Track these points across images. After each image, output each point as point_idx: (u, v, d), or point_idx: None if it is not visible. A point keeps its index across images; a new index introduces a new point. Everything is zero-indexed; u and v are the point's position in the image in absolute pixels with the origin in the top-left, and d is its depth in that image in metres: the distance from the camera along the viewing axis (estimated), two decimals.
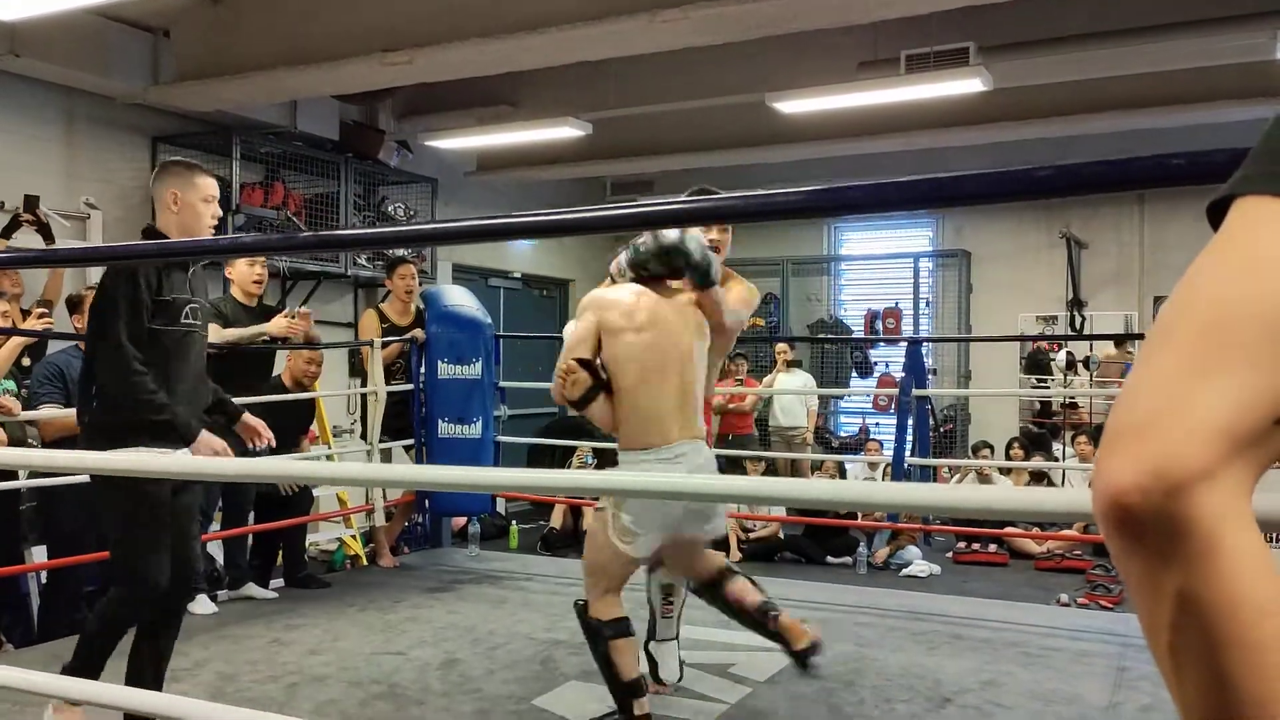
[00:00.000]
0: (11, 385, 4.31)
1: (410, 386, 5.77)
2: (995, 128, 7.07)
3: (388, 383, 5.67)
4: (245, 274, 4.92)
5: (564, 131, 7.14)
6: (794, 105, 6.43)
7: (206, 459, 2.89)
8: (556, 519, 7.68)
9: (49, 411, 4.25)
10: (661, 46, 5.46)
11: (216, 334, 4.44)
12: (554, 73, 6.44)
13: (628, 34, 5.19)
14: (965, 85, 5.91)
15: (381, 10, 5.67)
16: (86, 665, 2.83)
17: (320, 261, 7.28)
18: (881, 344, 9.91)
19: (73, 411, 4.22)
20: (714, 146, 8.02)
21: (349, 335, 7.62)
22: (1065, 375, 8.79)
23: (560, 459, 8.21)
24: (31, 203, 5.50)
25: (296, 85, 6.29)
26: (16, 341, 4.39)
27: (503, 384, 6.14)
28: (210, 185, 3.13)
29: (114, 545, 2.96)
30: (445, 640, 4.15)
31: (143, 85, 6.27)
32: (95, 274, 5.49)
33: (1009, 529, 7.05)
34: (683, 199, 1.59)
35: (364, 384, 5.65)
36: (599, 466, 7.25)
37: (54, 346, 4.87)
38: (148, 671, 2.99)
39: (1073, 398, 8.85)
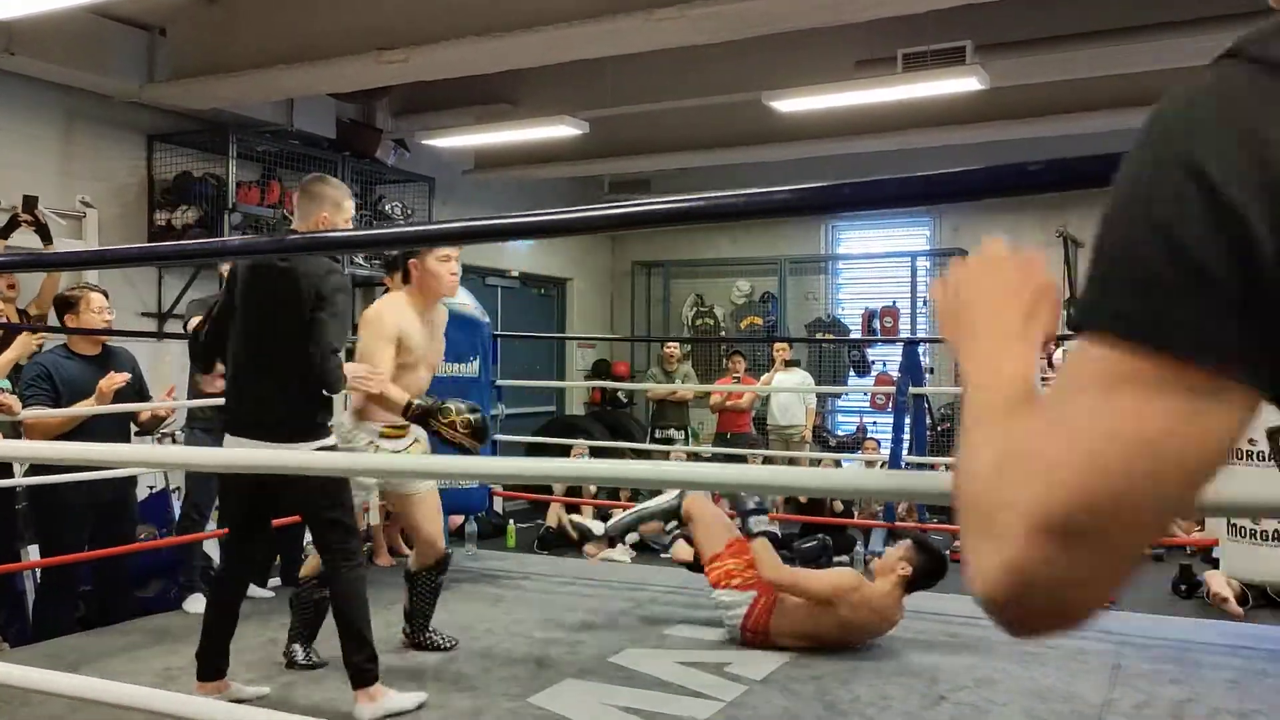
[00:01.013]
0: (7, 384, 4.30)
1: None
2: (992, 126, 7.07)
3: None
4: None
5: (561, 130, 7.13)
6: (791, 104, 6.43)
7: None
8: (553, 518, 7.68)
9: (37, 412, 4.23)
10: (658, 45, 5.46)
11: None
12: (551, 71, 6.43)
13: (625, 32, 5.19)
14: (962, 84, 5.92)
15: (377, 8, 5.66)
16: (366, 641, 3.17)
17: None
18: (879, 343, 9.92)
19: (60, 412, 4.23)
20: (711, 145, 8.02)
21: None
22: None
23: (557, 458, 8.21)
24: (30, 203, 5.50)
25: (293, 83, 6.28)
26: (21, 343, 4.38)
27: (500, 382, 6.13)
28: (352, 208, 3.33)
29: (340, 525, 3.24)
30: None
31: (139, 83, 6.26)
32: (90, 275, 5.48)
33: None
34: (681, 197, 1.57)
35: None
36: None
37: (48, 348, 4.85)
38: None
39: None
